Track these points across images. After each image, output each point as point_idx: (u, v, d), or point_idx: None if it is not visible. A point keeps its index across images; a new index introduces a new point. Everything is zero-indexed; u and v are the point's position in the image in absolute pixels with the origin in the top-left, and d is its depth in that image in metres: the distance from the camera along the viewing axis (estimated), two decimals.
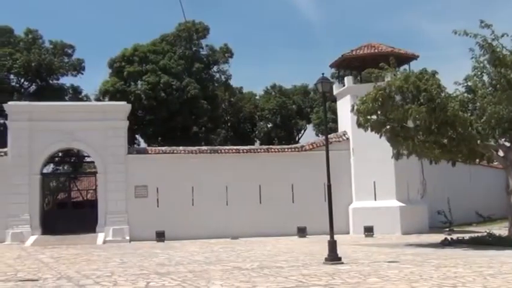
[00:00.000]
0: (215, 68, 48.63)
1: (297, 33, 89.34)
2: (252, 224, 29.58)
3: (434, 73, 22.66)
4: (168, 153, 30.84)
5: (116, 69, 45.28)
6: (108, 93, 43.74)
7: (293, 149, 32.46)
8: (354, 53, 31.95)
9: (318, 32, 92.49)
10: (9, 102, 31.00)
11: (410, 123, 22.30)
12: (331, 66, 34.67)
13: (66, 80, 46.76)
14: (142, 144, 45.26)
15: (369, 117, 22.58)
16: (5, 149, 29.13)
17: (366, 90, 23.67)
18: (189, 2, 65.67)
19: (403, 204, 29.75)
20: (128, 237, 28.16)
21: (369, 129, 22.90)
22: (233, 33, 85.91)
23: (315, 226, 28.17)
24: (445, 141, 22.17)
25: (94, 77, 65.29)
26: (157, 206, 29.86)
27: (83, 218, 29.71)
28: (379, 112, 22.44)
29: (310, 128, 54.76)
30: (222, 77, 48.99)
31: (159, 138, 45.83)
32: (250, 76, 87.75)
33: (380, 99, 21.99)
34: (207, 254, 20.28)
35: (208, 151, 31.54)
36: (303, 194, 30.66)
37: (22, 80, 45.32)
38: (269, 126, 54.52)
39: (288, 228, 29.33)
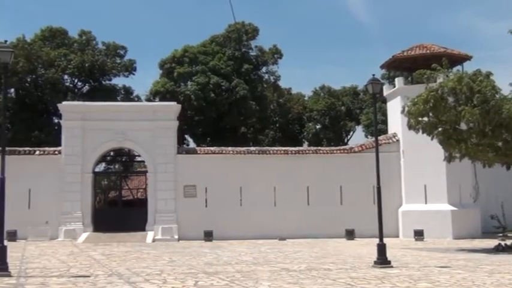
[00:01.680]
0: (264, 69, 48.61)
1: (347, 34, 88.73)
2: (300, 225, 29.47)
3: (488, 74, 22.12)
4: (217, 153, 31.04)
5: (166, 70, 45.86)
6: (158, 93, 44.33)
7: (342, 151, 32.19)
8: (405, 53, 31.48)
9: (369, 32, 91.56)
10: (64, 102, 31.80)
11: (463, 126, 21.81)
12: (382, 67, 34.29)
13: (118, 81, 47.62)
14: (192, 144, 45.68)
15: (420, 119, 22.19)
16: (59, 148, 29.87)
17: (417, 92, 23.31)
18: (239, 3, 65.98)
19: (455, 208, 29.10)
20: (176, 236, 28.45)
21: (420, 131, 22.52)
22: (283, 34, 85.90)
23: (364, 229, 27.89)
24: (500, 144, 21.59)
25: (145, 78, 66.40)
26: (206, 206, 30.09)
27: (133, 217, 30.17)
28: (430, 114, 22.03)
29: (359, 129, 54.14)
30: (271, 77, 48.94)
31: (208, 139, 46.15)
32: (299, 77, 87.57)
33: (432, 100, 21.58)
34: (255, 255, 20.31)
35: (257, 152, 31.59)
36: (351, 196, 30.36)
37: (76, 81, 46.36)
38: (317, 127, 54.13)
39: (336, 230, 29.10)
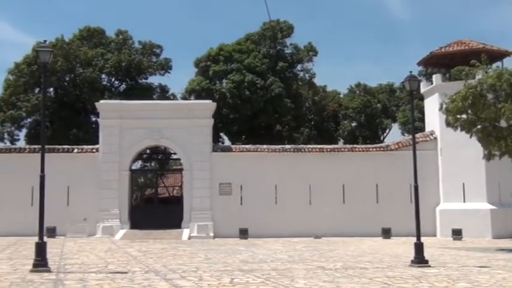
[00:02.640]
0: (299, 67, 48.48)
1: (383, 30, 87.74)
2: (335, 223, 29.30)
3: None
4: (252, 151, 31.07)
5: (201, 69, 46.16)
6: (194, 91, 44.64)
7: (378, 149, 31.88)
8: (442, 50, 31.00)
9: (405, 28, 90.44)
10: (101, 101, 32.27)
11: (503, 123, 21.35)
12: (419, 64, 33.86)
13: (154, 79, 48.13)
14: (227, 142, 45.89)
15: (458, 116, 21.82)
16: (96, 146, 30.32)
17: (455, 89, 22.91)
18: (273, 1, 65.88)
19: (494, 207, 28.53)
20: (211, 234, 28.58)
21: (459, 128, 22.15)
22: (318, 32, 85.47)
23: (400, 227, 27.62)
24: None
25: (181, 76, 66.89)
26: (241, 204, 30.15)
27: (169, 214, 30.42)
28: (469, 111, 21.62)
29: (395, 127, 53.64)
30: (306, 75, 48.77)
31: (243, 136, 46.27)
32: (334, 74, 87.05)
33: (471, 97, 21.19)
34: (290, 253, 20.27)
35: (292, 150, 31.52)
36: (387, 194, 30.05)
37: (113, 80, 47.02)
38: (353, 125, 53.82)
39: (372, 228, 28.84)
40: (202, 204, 29.54)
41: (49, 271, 13.95)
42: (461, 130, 22.18)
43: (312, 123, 53.37)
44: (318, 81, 50.61)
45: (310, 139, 50.20)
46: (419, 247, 16.25)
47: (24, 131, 44.27)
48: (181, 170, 32.16)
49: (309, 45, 47.80)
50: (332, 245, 24.35)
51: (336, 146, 35.21)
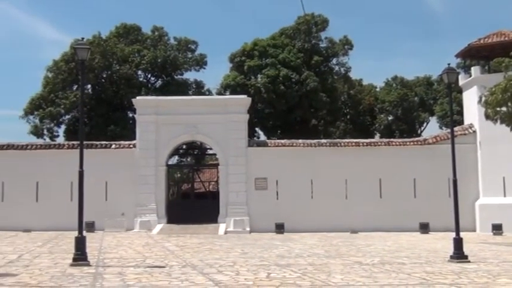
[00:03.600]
0: (334, 61, 48.15)
1: (420, 23, 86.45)
2: (372, 218, 29.03)
3: None
4: (288, 146, 31.00)
5: (236, 64, 46.23)
6: (229, 87, 44.75)
7: (415, 142, 31.45)
8: (481, 41, 30.35)
9: (443, 21, 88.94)
10: (138, 97, 32.59)
11: None
12: (457, 56, 33.26)
13: (190, 75, 48.44)
14: (262, 137, 45.91)
15: (498, 109, 21.38)
16: (133, 142, 30.67)
17: (494, 81, 22.45)
18: None
19: None
20: (248, 229, 28.64)
21: (498, 121, 21.71)
22: (353, 25, 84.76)
23: (438, 222, 27.25)
24: None
25: (216, 72, 67.14)
26: (277, 198, 30.13)
27: (205, 209, 30.60)
28: (509, 103, 21.14)
29: (433, 120, 52.87)
30: (342, 69, 48.42)
31: (278, 131, 46.22)
32: (370, 68, 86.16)
33: (511, 89, 20.71)
34: (327, 248, 20.18)
35: (328, 144, 31.33)
36: (425, 188, 29.64)
37: (149, 76, 47.48)
38: (390, 118, 53.23)
39: (410, 223, 28.48)
40: (238, 199, 29.63)
41: (88, 265, 14.18)
42: (501, 123, 21.75)
43: (348, 117, 52.98)
44: (353, 75, 50.26)
45: (346, 133, 49.86)
46: (458, 242, 15.98)
47: (63, 127, 45.11)
48: (217, 165, 32.32)
49: (345, 39, 47.41)
50: (369, 239, 24.14)
51: (372, 140, 34.87)
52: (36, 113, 44.01)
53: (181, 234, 26.53)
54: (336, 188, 29.89)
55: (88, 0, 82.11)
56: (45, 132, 44.51)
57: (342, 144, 31.45)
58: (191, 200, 33.86)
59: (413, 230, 28.10)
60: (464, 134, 29.97)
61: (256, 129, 46.77)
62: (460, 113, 35.29)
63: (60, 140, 43.19)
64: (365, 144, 31.36)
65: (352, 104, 52.15)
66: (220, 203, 30.01)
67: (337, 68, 48.42)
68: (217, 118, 30.26)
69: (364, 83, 54.97)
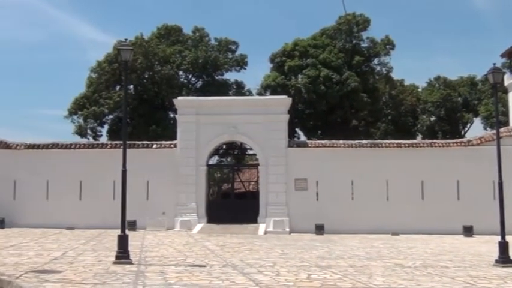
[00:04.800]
0: (376, 61, 47.76)
1: (463, 21, 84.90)
2: (414, 220, 28.56)
3: None
4: (328, 146, 30.79)
5: (277, 64, 46.27)
6: (269, 87, 44.81)
7: (459, 144, 30.83)
8: None
9: (488, 19, 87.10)
10: (179, 98, 32.86)
11: None
12: (503, 55, 32.58)
13: (230, 75, 48.71)
14: (302, 138, 45.82)
15: None
16: (174, 141, 30.94)
17: None
18: None
19: None
20: (287, 229, 28.56)
21: None
22: (395, 24, 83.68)
23: (483, 225, 26.65)
24: None
25: (256, 72, 67.17)
26: (317, 199, 29.97)
27: (245, 209, 30.62)
28: None
29: (477, 121, 51.87)
30: (383, 69, 47.99)
31: (319, 132, 46.06)
32: (412, 68, 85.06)
33: None
34: (367, 249, 19.96)
35: (369, 145, 31.00)
36: (469, 191, 29.00)
37: (190, 76, 47.93)
38: (432, 119, 52.45)
39: (453, 226, 27.92)
40: (278, 199, 29.58)
41: (131, 263, 14.37)
42: None
43: (389, 117, 52.42)
44: (395, 75, 49.75)
45: (387, 134, 49.34)
46: (504, 246, 15.62)
47: (106, 127, 45.92)
48: (257, 165, 32.33)
49: (386, 39, 46.96)
50: (411, 242, 23.78)
51: (414, 141, 34.37)
52: (80, 113, 44.93)
53: (221, 233, 26.64)
54: (376, 190, 29.55)
55: (130, 1, 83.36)
56: (88, 131, 45.42)
57: (383, 145, 31.07)
58: (231, 199, 33.94)
59: (456, 232, 27.54)
60: (510, 136, 29.25)
61: (297, 129, 46.70)
62: (505, 113, 34.52)
63: (103, 139, 44.03)
64: (407, 145, 30.90)
65: (393, 104, 51.60)
66: (260, 203, 30.01)
67: (378, 68, 48.05)
68: (258, 118, 30.27)
69: (406, 83, 54.40)
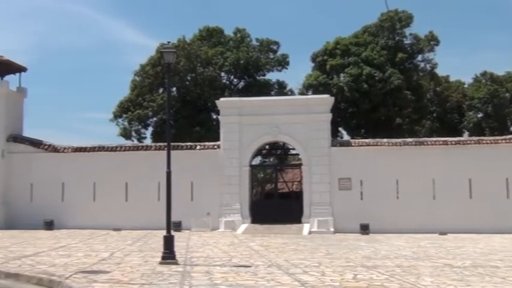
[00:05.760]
0: (420, 57, 47.03)
1: (510, 15, 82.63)
2: (462, 219, 27.98)
3: None
4: (372, 145, 30.46)
5: (318, 63, 46.02)
6: (311, 86, 44.60)
7: (508, 141, 30.05)
8: None
9: None
10: (221, 99, 33.03)
11: None
12: None
13: (272, 76, 48.66)
14: (345, 137, 45.43)
15: None
16: (218, 142, 31.10)
17: None
18: None
19: None
20: (332, 229, 28.36)
21: None
22: (439, 20, 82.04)
23: None
24: None
25: (298, 72, 66.99)
26: (361, 199, 29.68)
27: (289, 209, 30.56)
28: None
29: None
30: (427, 66, 47.22)
31: (362, 131, 45.60)
32: (457, 64, 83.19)
33: None
34: (414, 249, 19.64)
35: (414, 143, 30.55)
36: None
37: (232, 77, 48.09)
38: (479, 116, 51.27)
39: (502, 225, 27.27)
40: (321, 199, 29.42)
41: (176, 263, 14.49)
42: None
43: (434, 115, 51.54)
44: (440, 71, 48.87)
45: (432, 132, 48.51)
46: None
47: (150, 129, 46.52)
48: (300, 165, 32.23)
49: (430, 35, 46.17)
50: (459, 241, 23.29)
51: (461, 138, 33.62)
52: (124, 115, 45.65)
53: (265, 234, 26.64)
54: (422, 188, 29.08)
55: (172, 5, 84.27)
56: (133, 134, 46.09)
57: (429, 143, 30.55)
58: (275, 200, 33.93)
59: (506, 231, 26.83)
60: None
61: (340, 128, 46.32)
62: None
63: (148, 141, 44.60)
64: (453, 142, 30.30)
65: (438, 101, 50.71)
66: (304, 203, 29.89)
67: (422, 64, 47.29)
68: (300, 118, 30.17)
69: (452, 79, 53.35)
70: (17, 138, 31.80)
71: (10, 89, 32.33)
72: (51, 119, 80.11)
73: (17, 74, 33.09)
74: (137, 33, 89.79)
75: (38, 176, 30.88)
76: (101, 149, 31.67)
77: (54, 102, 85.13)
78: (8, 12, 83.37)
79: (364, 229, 27.65)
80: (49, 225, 28.88)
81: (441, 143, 30.32)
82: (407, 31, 46.40)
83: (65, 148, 31.85)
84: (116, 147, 32.10)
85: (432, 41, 46.04)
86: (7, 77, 32.99)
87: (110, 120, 46.57)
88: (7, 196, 30.74)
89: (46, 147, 31.83)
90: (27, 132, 33.05)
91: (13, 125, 32.02)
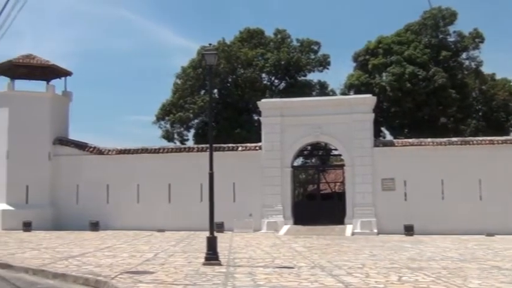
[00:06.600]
0: (464, 55, 46.07)
1: None
2: (509, 220, 27.30)
3: None
4: (416, 145, 30.00)
5: (360, 63, 45.63)
6: (353, 86, 44.25)
7: None
8: None
9: None
10: (262, 100, 33.07)
11: None
12: None
13: (313, 76, 48.44)
14: (388, 137, 44.87)
15: None
16: (259, 144, 31.13)
17: None
18: None
19: None
20: (375, 230, 28.03)
21: None
22: (484, 17, 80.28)
23: None
24: None
25: (339, 72, 66.43)
26: (405, 199, 29.26)
27: (331, 210, 30.39)
28: None
29: None
30: (472, 63, 46.22)
31: (405, 130, 44.97)
32: (504, 61, 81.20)
33: None
34: (461, 251, 19.23)
35: (459, 142, 29.95)
36: None
37: (273, 78, 48.09)
38: None
39: None
40: (364, 200, 29.12)
41: (220, 264, 14.55)
42: None
43: (480, 114, 50.36)
44: (485, 69, 47.73)
45: (478, 131, 47.39)
46: None
47: (192, 131, 46.93)
48: (342, 165, 32.00)
49: (475, 32, 45.22)
50: (507, 243, 22.67)
51: (508, 137, 32.76)
52: (167, 118, 46.19)
53: (308, 235, 26.52)
54: (468, 189, 28.47)
55: (212, 7, 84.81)
56: (175, 136, 46.60)
57: (475, 142, 29.92)
58: (317, 201, 33.78)
59: None
60: None
61: (382, 128, 45.79)
62: None
63: (190, 143, 45.00)
64: (500, 142, 29.59)
65: (484, 100, 49.55)
66: (347, 204, 29.64)
67: (467, 62, 46.32)
68: (342, 118, 29.95)
69: (498, 77, 52.01)
70: (63, 141, 32.52)
71: (56, 93, 33.11)
72: (95, 122, 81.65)
73: (63, 78, 34.00)
74: (178, 36, 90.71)
75: (83, 178, 31.53)
76: (144, 151, 32.10)
77: (98, 105, 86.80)
78: (51, 18, 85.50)
79: (409, 230, 27.22)
80: (94, 226, 29.41)
81: (487, 142, 29.65)
82: (451, 29, 45.61)
83: (109, 150, 32.41)
84: (159, 149, 32.49)
85: (477, 38, 45.09)
86: (53, 81, 33.85)
87: (152, 123, 47.23)
88: (54, 197, 31.46)
89: (91, 149, 32.44)
90: (73, 135, 33.86)
91: (59, 128, 32.76)
